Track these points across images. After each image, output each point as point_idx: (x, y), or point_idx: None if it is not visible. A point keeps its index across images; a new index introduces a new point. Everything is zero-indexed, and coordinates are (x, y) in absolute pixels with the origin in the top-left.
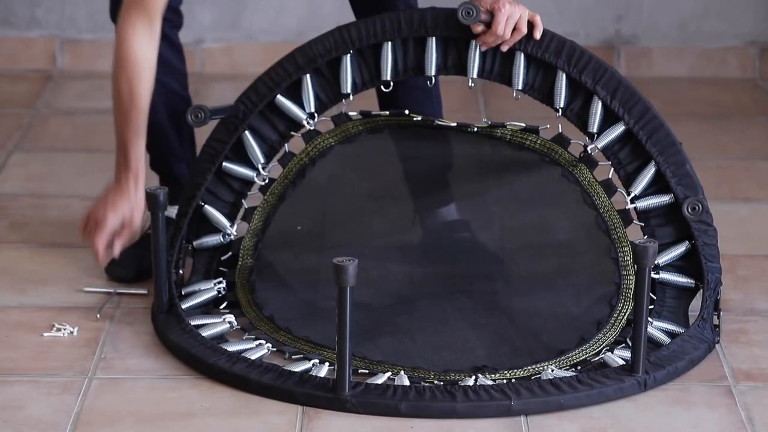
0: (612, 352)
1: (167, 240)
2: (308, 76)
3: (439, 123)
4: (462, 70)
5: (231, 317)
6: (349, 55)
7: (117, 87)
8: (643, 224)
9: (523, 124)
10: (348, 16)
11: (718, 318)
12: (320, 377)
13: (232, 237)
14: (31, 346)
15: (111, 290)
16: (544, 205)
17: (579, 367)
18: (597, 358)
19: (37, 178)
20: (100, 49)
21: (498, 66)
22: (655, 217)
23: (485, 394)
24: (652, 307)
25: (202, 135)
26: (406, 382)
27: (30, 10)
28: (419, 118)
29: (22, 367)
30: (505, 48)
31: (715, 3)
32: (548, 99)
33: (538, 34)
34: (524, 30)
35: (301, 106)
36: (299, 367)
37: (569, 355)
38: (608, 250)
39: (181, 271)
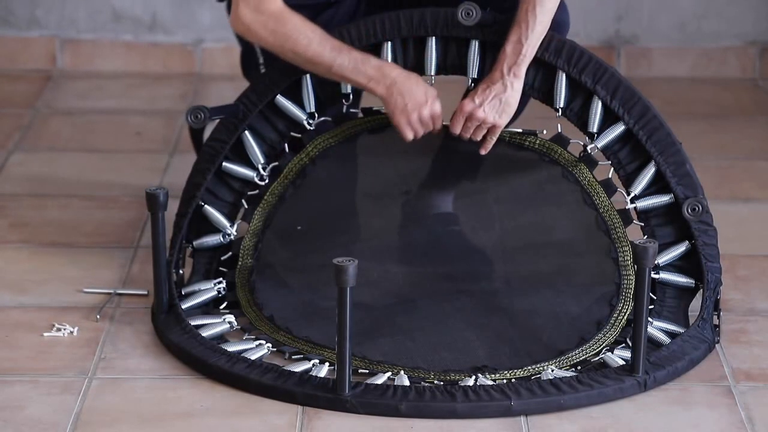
0: (612, 352)
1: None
2: (308, 75)
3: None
4: (462, 70)
5: (231, 317)
6: None
7: (295, 45)
8: (643, 224)
9: (520, 129)
10: None
11: (718, 318)
12: (320, 377)
13: (232, 237)
14: (31, 346)
15: (111, 291)
16: (544, 205)
17: (579, 367)
18: (597, 358)
19: (37, 178)
20: (100, 49)
21: None
22: (655, 217)
23: (485, 395)
24: (652, 307)
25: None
26: (406, 382)
27: (30, 10)
28: None
29: (22, 367)
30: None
31: (715, 3)
32: (548, 99)
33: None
34: (477, 138)
35: (301, 105)
36: (299, 367)
37: (569, 355)
38: (608, 250)
39: (181, 271)
